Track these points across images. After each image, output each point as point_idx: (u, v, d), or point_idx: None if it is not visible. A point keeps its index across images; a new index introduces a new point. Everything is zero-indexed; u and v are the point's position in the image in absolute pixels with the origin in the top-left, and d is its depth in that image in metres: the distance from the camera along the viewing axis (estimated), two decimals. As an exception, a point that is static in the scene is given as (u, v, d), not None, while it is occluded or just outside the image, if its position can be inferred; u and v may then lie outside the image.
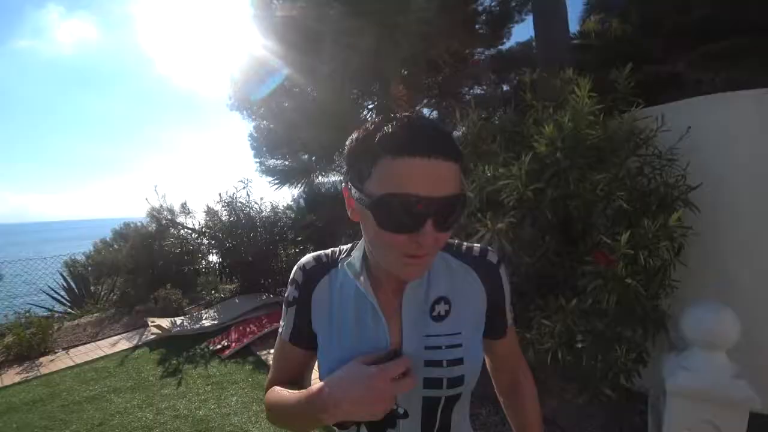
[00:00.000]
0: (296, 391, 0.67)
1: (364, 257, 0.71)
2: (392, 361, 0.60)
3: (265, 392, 0.75)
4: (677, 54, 3.94)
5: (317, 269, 0.74)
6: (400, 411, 0.60)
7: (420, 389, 0.66)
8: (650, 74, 3.56)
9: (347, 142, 0.62)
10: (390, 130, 0.55)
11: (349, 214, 0.65)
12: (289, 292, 0.75)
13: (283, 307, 0.75)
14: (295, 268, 0.75)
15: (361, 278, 0.69)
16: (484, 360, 0.76)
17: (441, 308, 0.69)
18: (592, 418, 2.50)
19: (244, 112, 7.83)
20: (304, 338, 0.73)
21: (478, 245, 0.76)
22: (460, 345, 0.68)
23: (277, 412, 0.71)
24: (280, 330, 0.76)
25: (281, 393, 0.70)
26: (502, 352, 0.83)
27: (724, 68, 3.33)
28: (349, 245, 0.77)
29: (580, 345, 2.07)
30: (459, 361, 0.67)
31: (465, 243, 0.77)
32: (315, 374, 0.73)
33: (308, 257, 0.76)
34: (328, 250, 0.77)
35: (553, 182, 2.10)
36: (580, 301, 1.94)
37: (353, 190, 0.61)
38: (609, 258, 1.86)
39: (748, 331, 1.67)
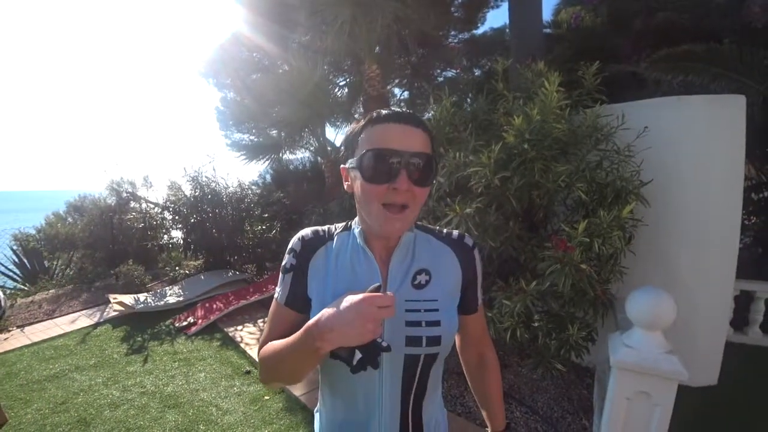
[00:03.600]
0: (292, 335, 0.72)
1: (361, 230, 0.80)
2: (379, 293, 0.66)
3: (259, 351, 0.81)
4: (642, 53, 4.14)
5: (315, 240, 0.82)
6: (384, 344, 0.64)
7: (402, 347, 0.75)
8: (615, 71, 3.73)
9: (345, 134, 0.77)
10: (374, 112, 0.74)
11: (345, 188, 0.79)
12: (287, 260, 0.81)
13: (281, 273, 0.82)
14: (294, 239, 0.83)
15: (360, 240, 0.79)
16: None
17: (422, 278, 0.79)
18: (545, 390, 2.72)
19: (211, 80, 7.57)
20: (299, 303, 0.79)
21: (457, 231, 0.89)
22: (437, 310, 0.78)
23: (273, 361, 0.75)
24: (276, 295, 0.82)
25: (277, 342, 0.75)
26: (473, 327, 0.93)
27: (682, 71, 3.55)
28: (344, 223, 0.85)
29: (536, 324, 2.24)
30: (437, 323, 0.77)
31: (445, 229, 0.89)
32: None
33: (306, 230, 0.84)
34: (324, 226, 0.85)
35: (520, 171, 2.20)
36: (539, 283, 2.08)
37: (348, 163, 0.75)
38: (567, 245, 2.00)
39: (684, 314, 1.87)
